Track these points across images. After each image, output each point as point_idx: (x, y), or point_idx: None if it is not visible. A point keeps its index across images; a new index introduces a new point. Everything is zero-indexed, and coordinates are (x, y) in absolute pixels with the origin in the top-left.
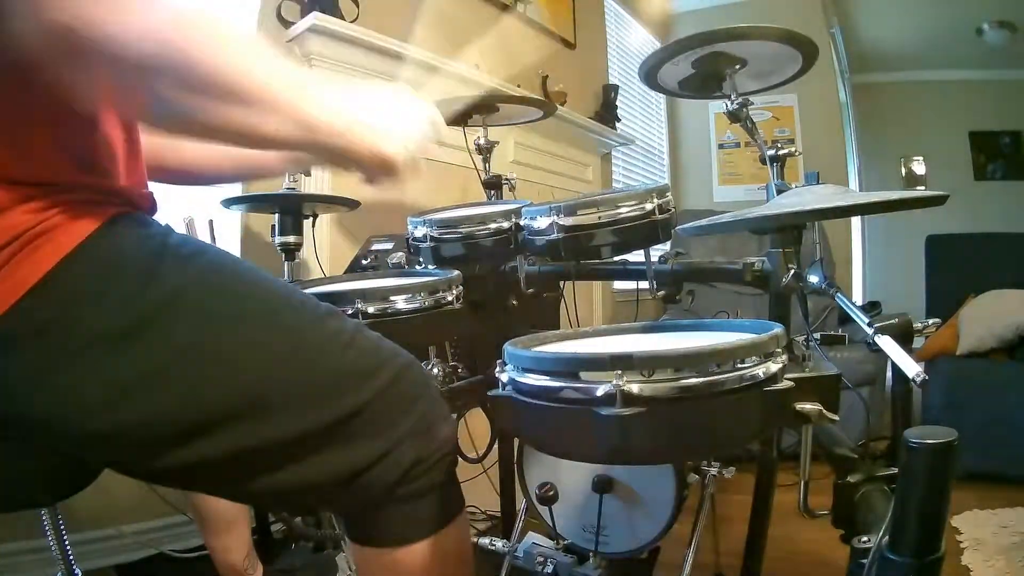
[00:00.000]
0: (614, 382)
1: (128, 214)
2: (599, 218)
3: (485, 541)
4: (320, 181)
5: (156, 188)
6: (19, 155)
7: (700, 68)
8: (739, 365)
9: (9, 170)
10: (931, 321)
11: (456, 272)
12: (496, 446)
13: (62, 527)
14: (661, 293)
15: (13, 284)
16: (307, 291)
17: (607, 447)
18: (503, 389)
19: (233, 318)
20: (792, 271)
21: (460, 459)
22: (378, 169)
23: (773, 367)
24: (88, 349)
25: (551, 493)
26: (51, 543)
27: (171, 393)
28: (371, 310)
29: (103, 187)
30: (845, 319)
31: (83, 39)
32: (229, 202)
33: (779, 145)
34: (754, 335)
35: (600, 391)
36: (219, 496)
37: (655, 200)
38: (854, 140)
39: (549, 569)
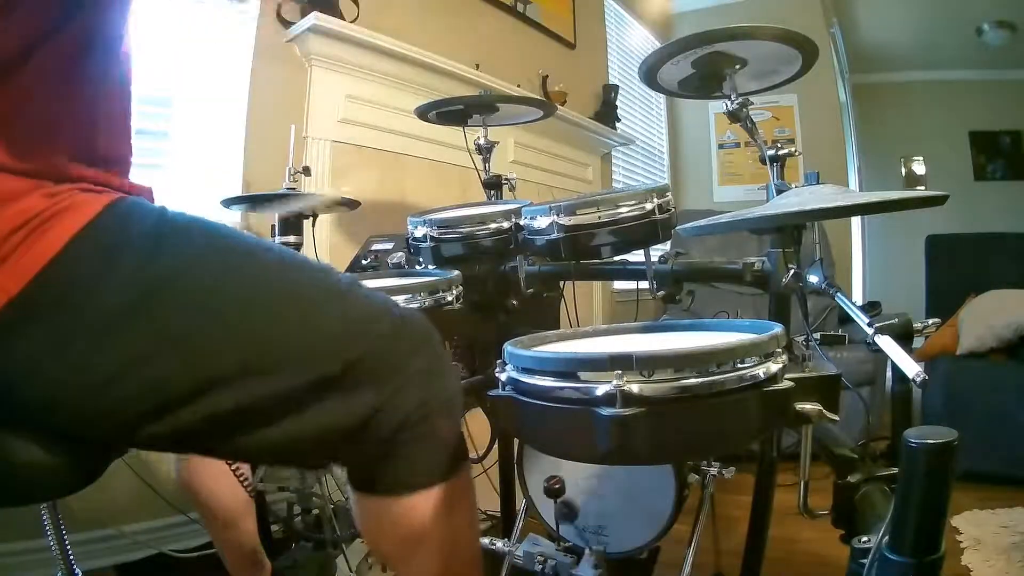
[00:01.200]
0: (614, 382)
1: (127, 197)
2: (599, 218)
3: (485, 541)
4: (320, 181)
5: (155, 187)
6: (31, 152)
7: (700, 68)
8: (739, 365)
9: (24, 164)
10: (931, 321)
11: (456, 272)
12: (496, 446)
13: (62, 527)
14: (661, 293)
15: (28, 261)
16: None
17: (607, 447)
18: (503, 389)
19: (234, 277)
20: (792, 271)
21: None
22: None
23: (773, 367)
24: (98, 320)
25: (558, 486)
26: (51, 543)
27: (181, 354)
28: None
29: (109, 183)
30: (845, 319)
31: None
32: (229, 202)
33: (779, 145)
34: (754, 335)
35: (600, 391)
36: (231, 456)
37: (655, 200)
38: (854, 140)
39: (549, 569)
